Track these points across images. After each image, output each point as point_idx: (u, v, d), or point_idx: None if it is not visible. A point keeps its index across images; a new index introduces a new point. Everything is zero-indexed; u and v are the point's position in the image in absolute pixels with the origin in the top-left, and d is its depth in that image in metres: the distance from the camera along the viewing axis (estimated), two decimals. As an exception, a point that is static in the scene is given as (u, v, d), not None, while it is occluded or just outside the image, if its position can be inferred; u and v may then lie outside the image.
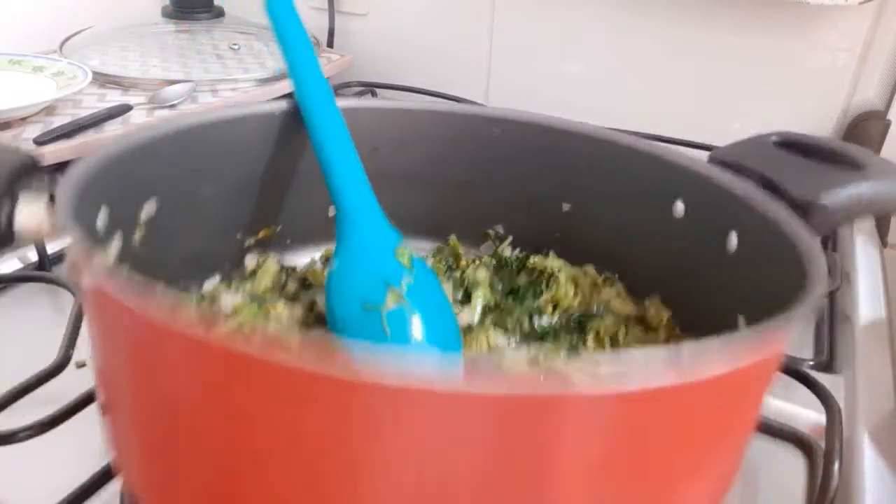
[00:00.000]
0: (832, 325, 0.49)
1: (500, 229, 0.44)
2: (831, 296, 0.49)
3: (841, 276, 0.51)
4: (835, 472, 0.32)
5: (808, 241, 0.28)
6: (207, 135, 0.36)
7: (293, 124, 0.39)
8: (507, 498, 0.21)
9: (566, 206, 0.42)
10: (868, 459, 0.37)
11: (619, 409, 0.20)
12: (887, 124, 0.66)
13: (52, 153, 0.55)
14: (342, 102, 0.39)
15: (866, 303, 0.50)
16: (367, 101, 0.44)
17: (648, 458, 0.22)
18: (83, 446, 0.36)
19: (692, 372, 0.20)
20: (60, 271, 0.50)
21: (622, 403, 0.20)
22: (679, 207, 0.36)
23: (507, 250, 0.44)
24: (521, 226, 0.43)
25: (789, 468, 0.38)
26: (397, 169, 0.42)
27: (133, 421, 0.25)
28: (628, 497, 0.22)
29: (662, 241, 0.37)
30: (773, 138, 0.36)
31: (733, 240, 0.33)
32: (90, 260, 0.22)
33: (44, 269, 0.50)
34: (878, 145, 0.66)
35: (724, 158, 0.35)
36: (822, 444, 0.37)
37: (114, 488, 0.33)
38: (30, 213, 0.27)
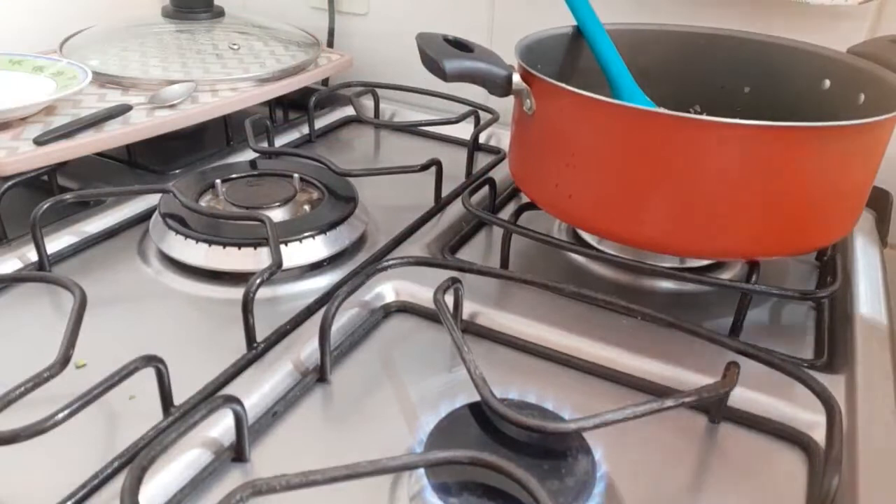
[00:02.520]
0: (832, 325, 0.49)
1: (698, 107, 0.64)
2: (831, 296, 0.49)
3: (841, 276, 0.51)
4: (835, 472, 0.32)
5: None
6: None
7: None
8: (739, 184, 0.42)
9: (747, 89, 0.62)
10: (868, 459, 0.37)
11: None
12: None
13: (52, 153, 0.55)
14: (607, 27, 0.59)
15: (866, 303, 0.50)
16: (620, 25, 0.63)
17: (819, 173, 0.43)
18: (83, 446, 0.36)
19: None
20: (60, 271, 0.50)
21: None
22: (826, 83, 0.56)
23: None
24: (714, 104, 0.63)
25: (789, 468, 0.38)
26: (635, 68, 0.60)
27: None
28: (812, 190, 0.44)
29: (814, 106, 0.57)
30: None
31: (861, 98, 0.52)
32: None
33: (44, 269, 0.50)
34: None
35: (854, 52, 0.55)
36: (822, 444, 0.37)
37: (114, 488, 0.33)
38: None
